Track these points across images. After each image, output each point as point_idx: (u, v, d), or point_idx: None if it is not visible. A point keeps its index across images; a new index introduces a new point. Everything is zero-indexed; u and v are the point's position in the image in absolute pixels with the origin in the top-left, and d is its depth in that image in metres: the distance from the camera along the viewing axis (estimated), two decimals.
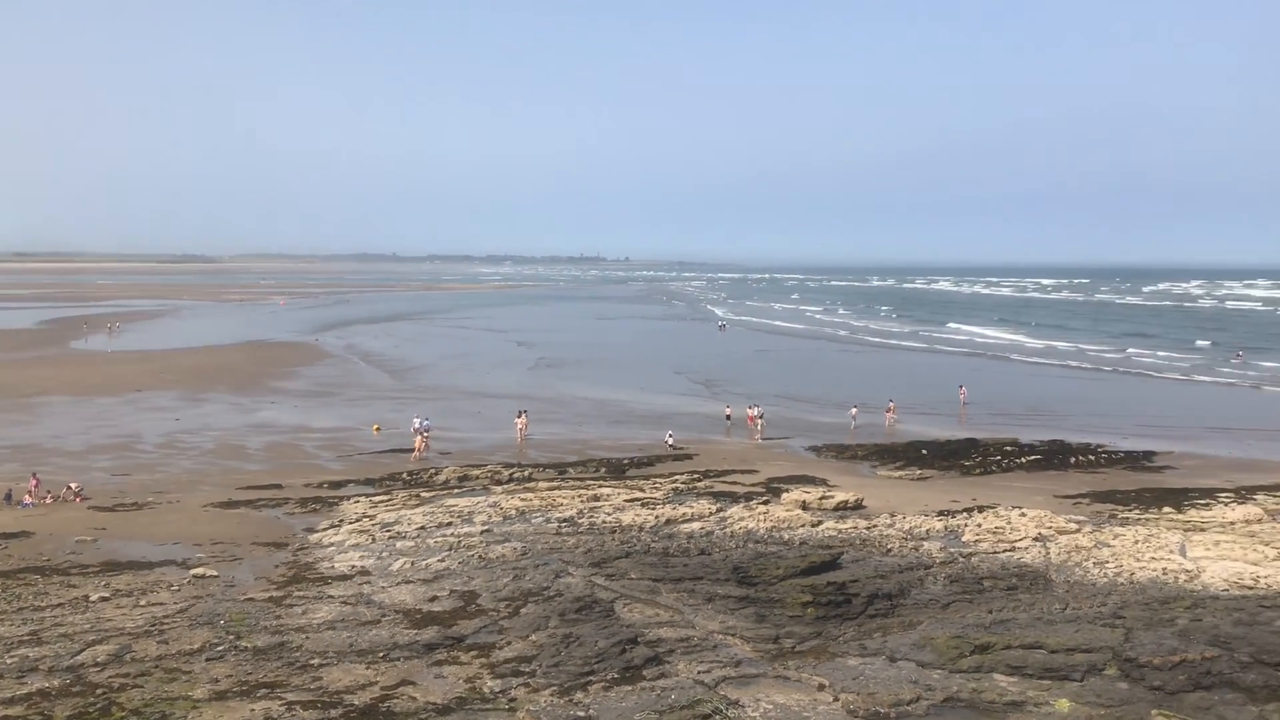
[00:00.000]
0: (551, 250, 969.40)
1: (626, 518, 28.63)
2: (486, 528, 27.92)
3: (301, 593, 21.54)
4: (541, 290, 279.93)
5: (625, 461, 42.27)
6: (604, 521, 28.33)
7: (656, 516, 28.72)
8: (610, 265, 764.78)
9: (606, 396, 64.55)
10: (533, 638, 17.75)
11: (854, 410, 54.16)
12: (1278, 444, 48.38)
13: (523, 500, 31.79)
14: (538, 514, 29.76)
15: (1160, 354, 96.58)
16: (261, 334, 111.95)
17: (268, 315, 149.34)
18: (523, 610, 19.48)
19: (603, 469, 40.46)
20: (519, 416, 50.08)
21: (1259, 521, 30.01)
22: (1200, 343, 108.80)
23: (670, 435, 47.60)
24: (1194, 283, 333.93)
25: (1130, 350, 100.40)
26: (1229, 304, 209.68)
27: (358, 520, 29.95)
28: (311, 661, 16.64)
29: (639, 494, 33.35)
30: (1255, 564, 23.15)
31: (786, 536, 26.38)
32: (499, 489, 35.43)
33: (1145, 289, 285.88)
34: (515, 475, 38.22)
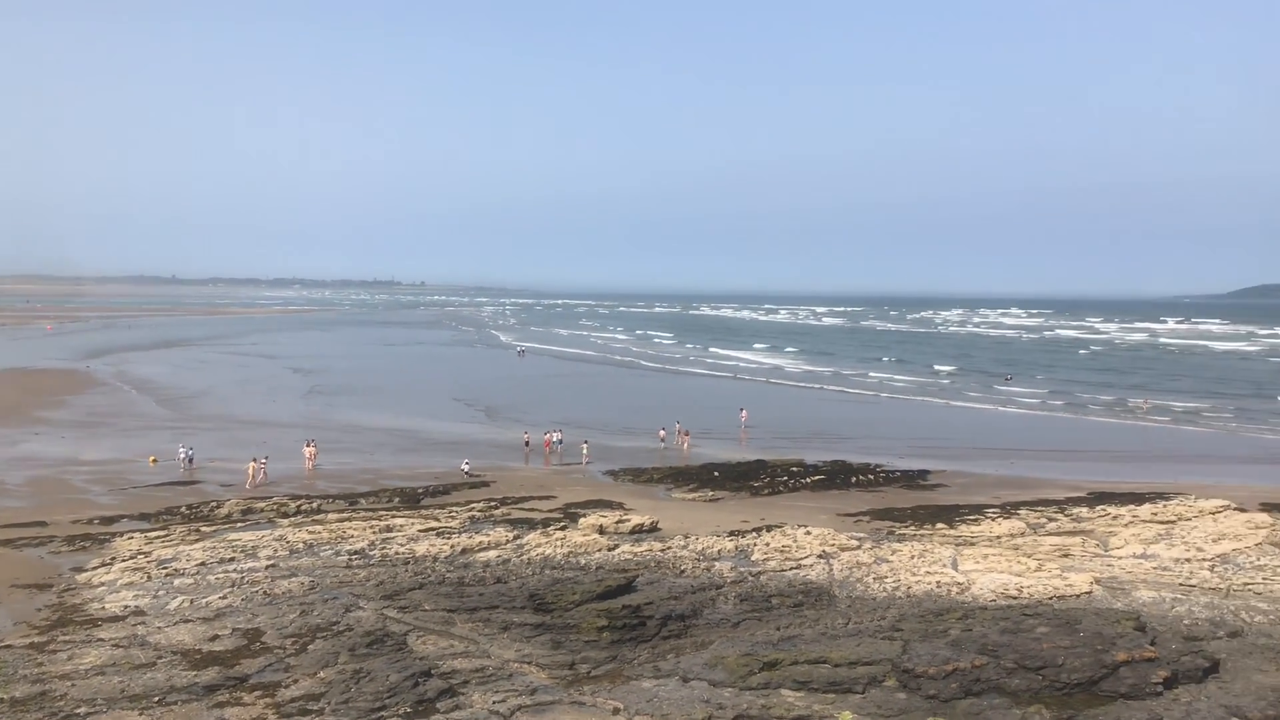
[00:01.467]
0: (344, 274, 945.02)
1: (421, 548, 28.09)
2: (272, 562, 26.82)
3: (67, 637, 20.12)
4: (329, 315, 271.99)
5: (420, 490, 41.48)
6: (397, 552, 27.70)
7: (452, 546, 28.30)
8: (405, 290, 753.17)
9: (399, 424, 63.24)
10: (321, 674, 17.16)
11: (662, 432, 55.83)
12: (1039, 462, 51.94)
13: (311, 533, 30.72)
14: (327, 546, 28.81)
15: (906, 377, 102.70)
16: (26, 361, 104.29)
17: (33, 341, 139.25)
18: (310, 646, 18.81)
19: (396, 499, 39.56)
20: (307, 446, 48.47)
21: (1022, 535, 32.13)
22: (939, 366, 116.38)
23: (467, 463, 47.05)
24: (955, 310, 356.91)
25: (875, 374, 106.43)
26: (982, 329, 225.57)
27: (132, 558, 28.22)
28: (78, 710, 15.56)
29: (434, 523, 32.78)
30: (1019, 575, 24.75)
31: (583, 561, 26.46)
32: (285, 521, 34.11)
33: (910, 316, 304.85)
34: (303, 507, 36.90)
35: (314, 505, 37.40)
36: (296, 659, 18.16)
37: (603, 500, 39.11)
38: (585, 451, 50.96)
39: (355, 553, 27.85)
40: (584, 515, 34.12)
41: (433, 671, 17.16)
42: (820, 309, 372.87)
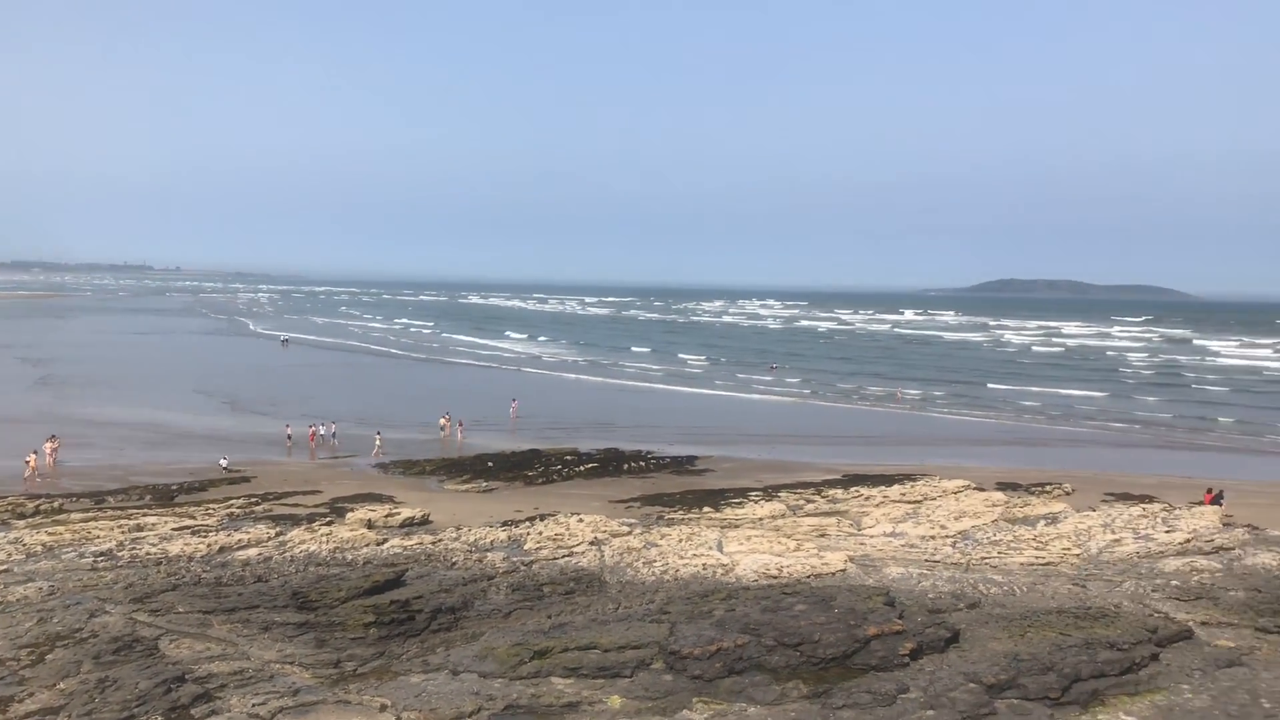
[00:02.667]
0: (91, 257, 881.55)
1: (175, 548, 26.60)
2: (5, 567, 24.77)
3: None
4: (68, 302, 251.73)
5: (174, 487, 39.31)
6: (148, 553, 26.13)
7: (209, 544, 26.94)
8: (157, 275, 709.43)
9: (148, 418, 59.49)
10: (61, 686, 15.96)
11: (443, 420, 55.31)
12: (799, 446, 54.30)
13: (51, 534, 28.54)
14: (70, 549, 26.85)
15: (665, 366, 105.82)
16: None
17: None
18: (49, 656, 17.46)
19: (148, 496, 37.36)
20: (48, 441, 45.08)
21: (783, 516, 33.52)
22: (699, 355, 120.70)
23: (225, 458, 44.91)
24: (717, 301, 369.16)
25: (634, 363, 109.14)
26: (740, 320, 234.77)
27: None
28: None
29: (189, 521, 31.12)
30: (779, 555, 25.77)
31: (350, 557, 25.75)
32: (21, 523, 31.58)
33: (674, 306, 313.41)
34: (43, 507, 34.27)
35: (55, 505, 34.81)
36: (32, 670, 16.83)
37: (371, 494, 38.21)
38: (379, 444, 49.67)
39: (101, 554, 26.08)
40: (351, 510, 33.22)
41: (187, 676, 16.28)
42: (589, 299, 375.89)
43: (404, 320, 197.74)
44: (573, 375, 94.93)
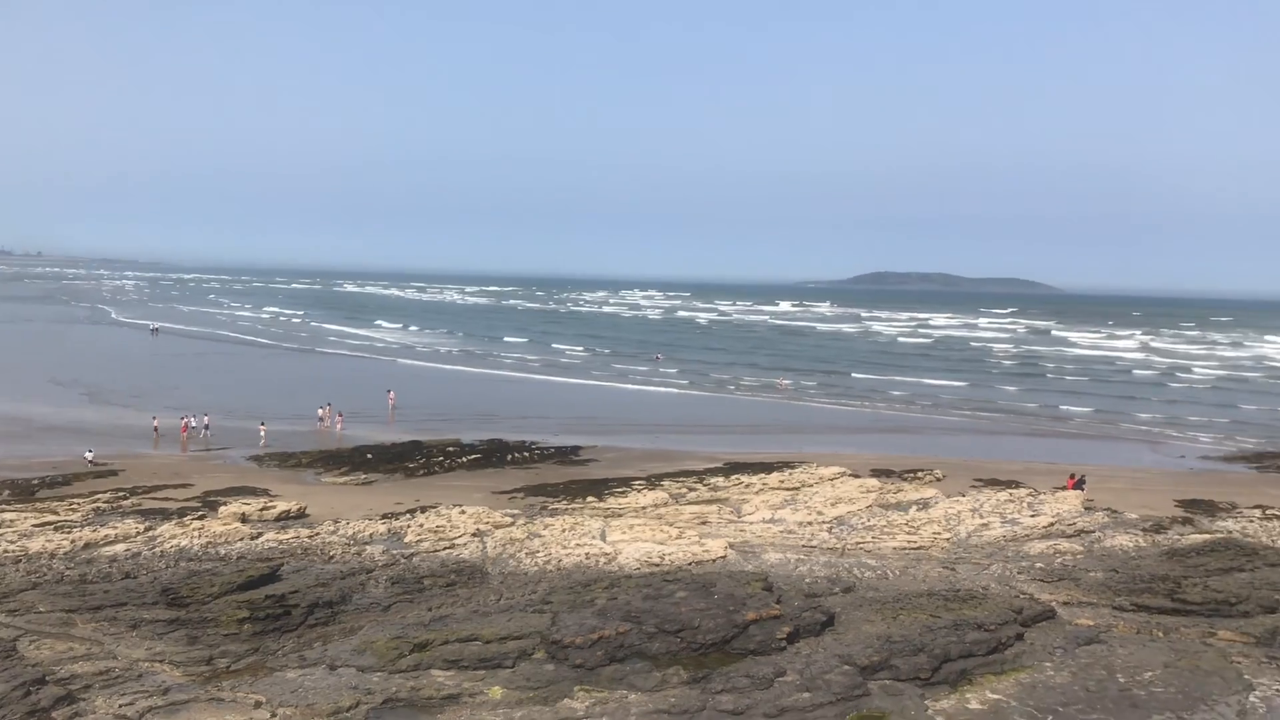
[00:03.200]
0: None
1: (35, 544, 25.48)
2: None
3: None
4: None
5: (35, 481, 37.69)
6: (6, 551, 24.98)
7: (73, 541, 25.88)
8: (16, 260, 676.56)
9: (5, 410, 56.85)
10: None
11: (322, 411, 54.45)
12: (682, 435, 54.81)
13: None
14: None
15: (541, 356, 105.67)
16: None
17: None
18: None
19: (6, 491, 35.71)
20: None
21: (665, 505, 33.81)
22: (564, 346, 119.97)
23: (90, 451, 43.22)
24: (600, 292, 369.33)
25: (510, 354, 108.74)
26: (621, 310, 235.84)
27: None
28: None
29: (51, 517, 29.84)
30: (662, 543, 26.00)
31: (223, 552, 25.07)
32: None
33: (557, 296, 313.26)
34: None
35: None
36: None
37: (246, 487, 37.26)
38: (263, 434, 48.43)
39: None
40: (225, 504, 32.29)
41: (48, 678, 15.65)
42: (469, 288, 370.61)
43: (274, 309, 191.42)
44: (449, 366, 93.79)
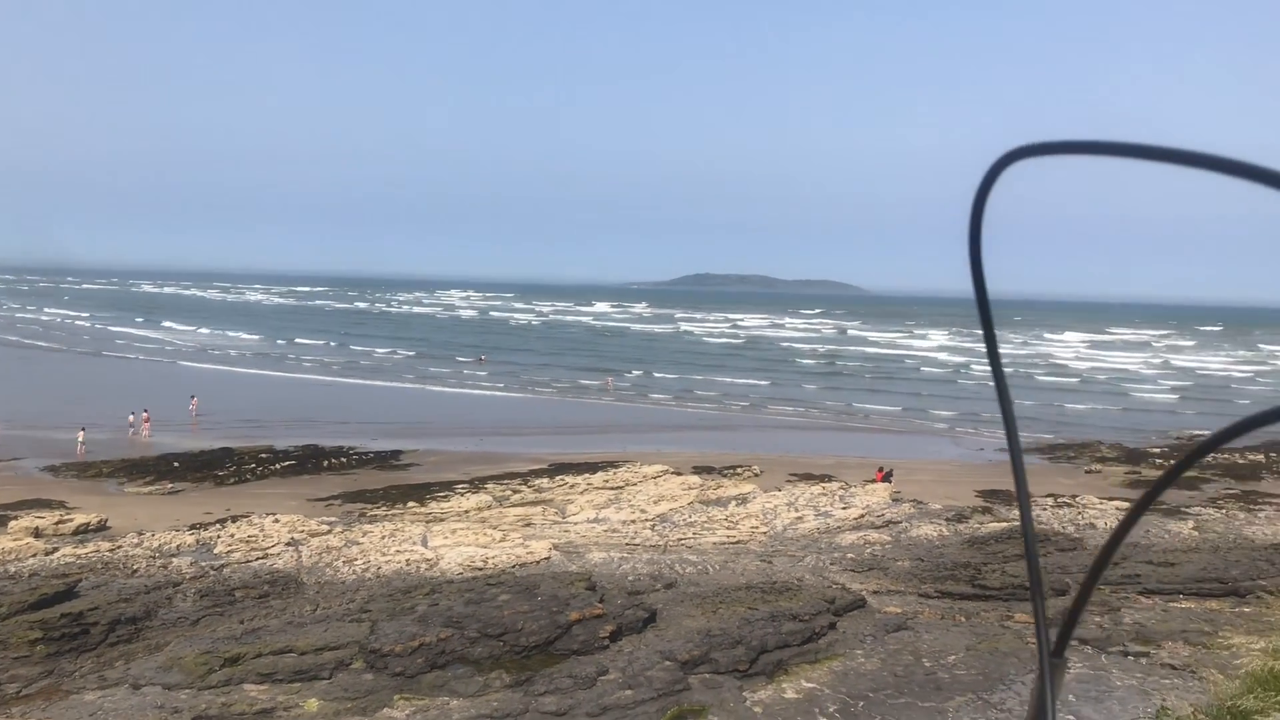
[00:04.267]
0: None
1: None
2: None
3: None
4: None
5: None
6: None
7: None
8: None
9: None
10: None
11: (131, 418, 51.73)
12: (506, 437, 54.52)
13: None
14: None
15: (342, 359, 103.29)
16: None
17: None
18: None
19: None
20: None
21: (489, 508, 33.57)
22: (376, 349, 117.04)
23: None
24: (416, 292, 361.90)
25: (313, 357, 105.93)
26: (435, 310, 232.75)
27: None
28: None
29: None
30: (485, 547, 25.80)
31: (14, 570, 23.52)
32: None
33: (368, 296, 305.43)
34: None
35: None
36: None
37: (40, 499, 35.04)
38: (81, 441, 45.64)
39: None
40: (15, 518, 30.29)
41: None
42: (277, 289, 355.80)
43: (56, 310, 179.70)
44: (256, 370, 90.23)
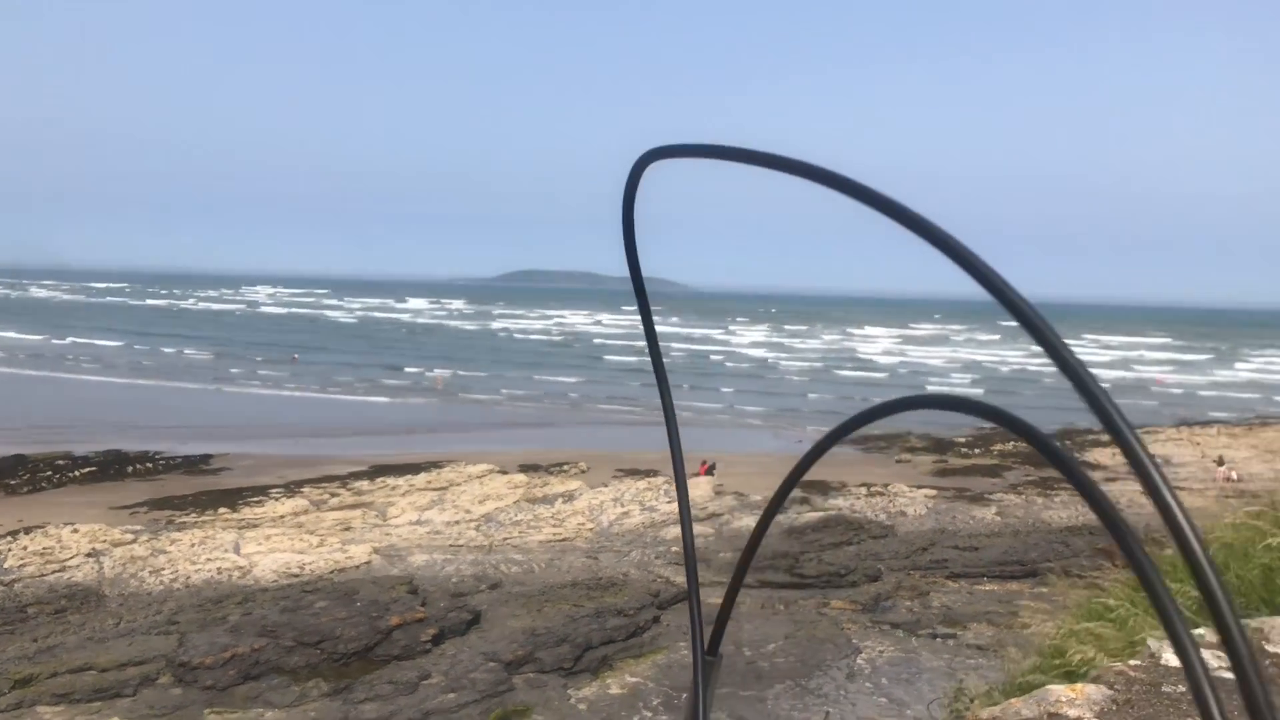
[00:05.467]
0: None
1: None
2: None
3: None
4: None
5: None
6: None
7: None
8: None
9: None
10: None
11: None
12: (325, 439, 52.93)
13: None
14: None
15: (142, 360, 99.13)
16: None
17: None
18: None
19: None
20: None
21: (306, 513, 32.52)
22: (186, 348, 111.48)
23: None
24: (222, 289, 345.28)
25: (117, 358, 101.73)
26: (241, 307, 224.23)
27: None
28: None
29: None
30: (301, 553, 25.01)
31: None
32: None
33: (163, 292, 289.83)
34: None
35: None
36: None
37: None
38: None
39: None
40: None
41: None
42: (65, 285, 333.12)
43: None
44: (47, 372, 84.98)
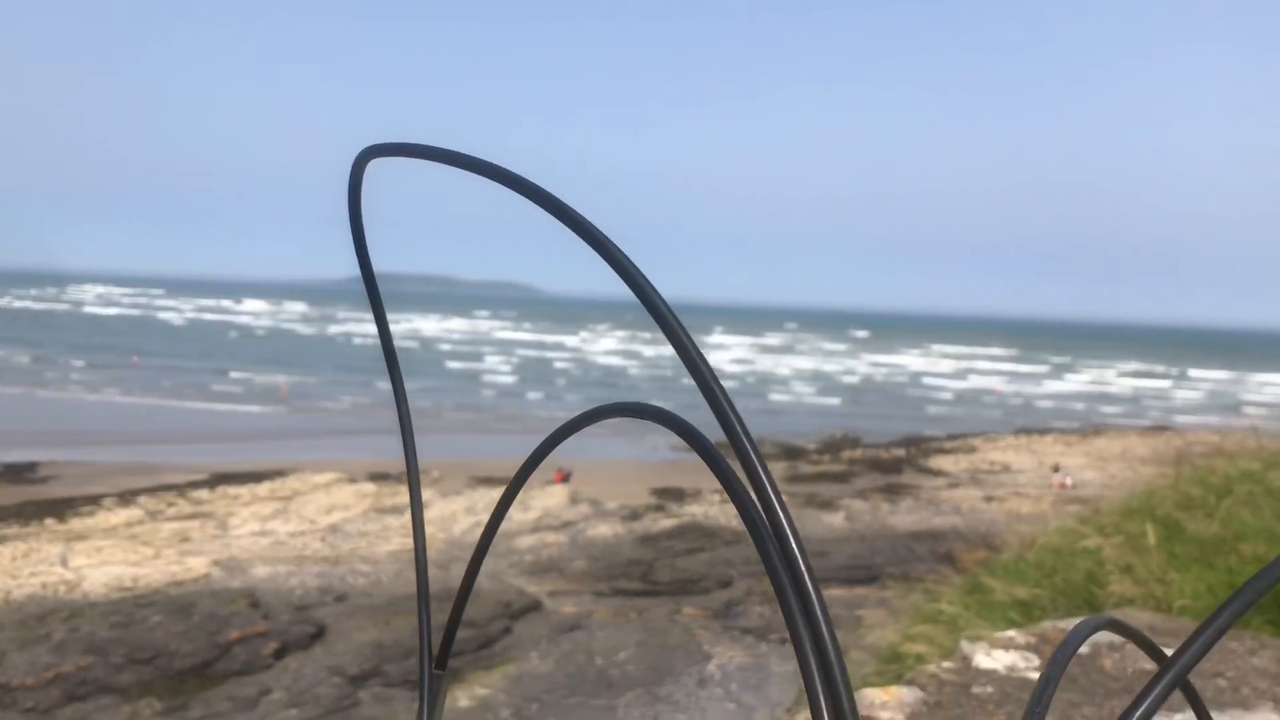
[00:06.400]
0: None
1: None
2: None
3: None
4: None
5: None
6: None
7: None
8: None
9: None
10: None
11: None
12: (162, 446, 50.76)
13: None
14: None
15: None
16: None
17: None
18: None
19: None
20: None
21: (141, 523, 31.07)
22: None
23: None
24: (45, 287, 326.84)
25: None
26: (53, 308, 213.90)
27: None
28: None
29: None
30: (136, 565, 23.85)
31: None
32: None
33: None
34: None
35: None
36: None
37: None
38: None
39: None
40: None
41: None
42: None
43: None
44: None
